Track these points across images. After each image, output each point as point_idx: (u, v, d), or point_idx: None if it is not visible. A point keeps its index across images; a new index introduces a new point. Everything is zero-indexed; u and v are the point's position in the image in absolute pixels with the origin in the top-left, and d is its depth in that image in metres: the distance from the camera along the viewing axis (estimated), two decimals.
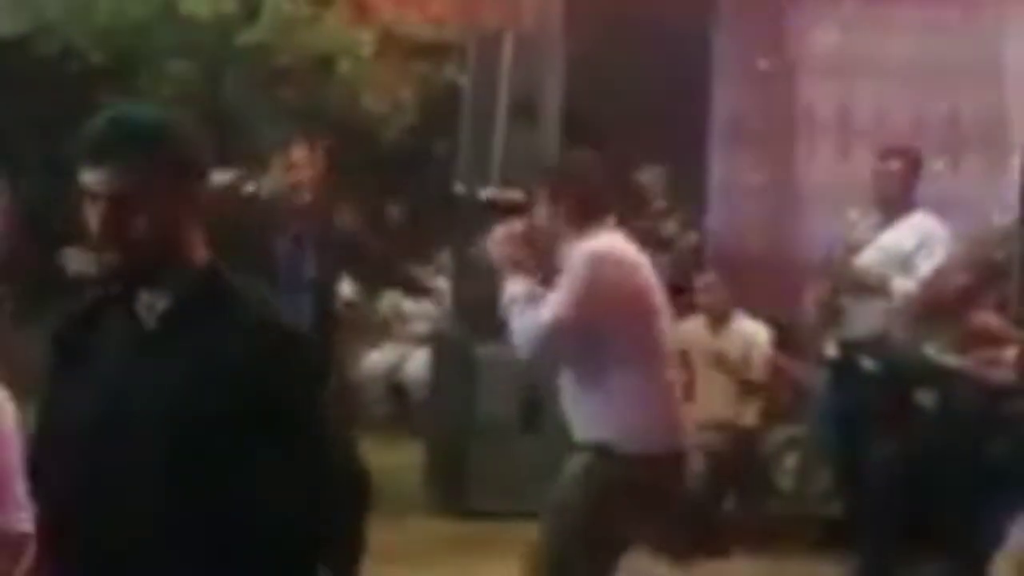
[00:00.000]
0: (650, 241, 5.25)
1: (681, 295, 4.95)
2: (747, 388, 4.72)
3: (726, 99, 5.59)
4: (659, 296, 2.68)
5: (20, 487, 1.22)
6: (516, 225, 2.71)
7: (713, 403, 4.70)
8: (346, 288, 5.30)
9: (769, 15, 5.58)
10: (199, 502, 1.52)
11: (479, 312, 4.20)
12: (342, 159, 4.12)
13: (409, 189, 6.84)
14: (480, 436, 4.67)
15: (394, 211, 7.01)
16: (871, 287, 4.18)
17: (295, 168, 3.81)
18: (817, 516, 4.62)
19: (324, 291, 3.96)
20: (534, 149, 4.79)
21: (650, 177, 5.44)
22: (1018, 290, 4.04)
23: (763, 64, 5.53)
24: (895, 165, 4.28)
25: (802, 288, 4.53)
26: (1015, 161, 4.67)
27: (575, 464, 2.61)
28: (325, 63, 6.14)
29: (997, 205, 4.66)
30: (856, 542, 4.13)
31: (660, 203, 5.46)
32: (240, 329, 1.56)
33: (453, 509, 4.64)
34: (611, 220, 2.69)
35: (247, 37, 6.00)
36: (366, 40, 6.08)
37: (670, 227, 5.40)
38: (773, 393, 4.79)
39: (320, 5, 6.11)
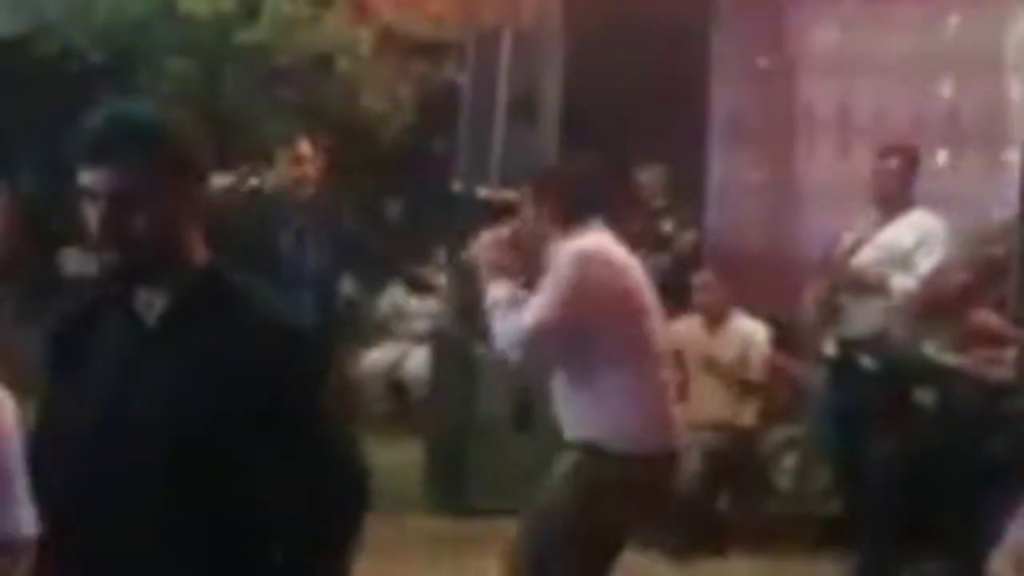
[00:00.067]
0: (649, 239, 5.27)
1: (679, 293, 4.97)
2: (744, 389, 4.72)
3: (725, 97, 5.58)
4: (648, 295, 2.68)
5: (22, 487, 1.22)
6: (503, 230, 2.73)
7: (711, 403, 4.70)
8: (347, 286, 5.31)
9: (768, 13, 5.57)
10: (200, 502, 1.52)
11: (478, 311, 4.20)
12: (341, 157, 4.12)
13: (408, 187, 6.84)
14: (480, 434, 4.67)
15: (393, 209, 7.01)
16: (871, 286, 4.18)
17: (300, 162, 3.81)
18: (816, 515, 4.62)
19: (326, 288, 3.97)
20: (533, 148, 4.79)
21: (649, 175, 5.44)
22: (1017, 287, 4.04)
23: (762, 62, 5.53)
24: (893, 163, 4.28)
25: (801, 287, 4.52)
26: (1015, 157, 4.67)
27: (564, 463, 2.61)
28: (324, 62, 6.14)
29: (997, 201, 4.67)
30: (855, 541, 4.13)
31: (659, 201, 5.46)
32: (242, 328, 1.56)
33: (453, 507, 4.64)
34: (598, 220, 2.69)
35: (246, 36, 5.99)
36: (365, 39, 6.08)
37: (669, 226, 5.40)
38: (771, 392, 4.79)
39: (319, 4, 6.11)
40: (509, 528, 2.82)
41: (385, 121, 6.28)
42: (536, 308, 2.56)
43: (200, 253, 1.60)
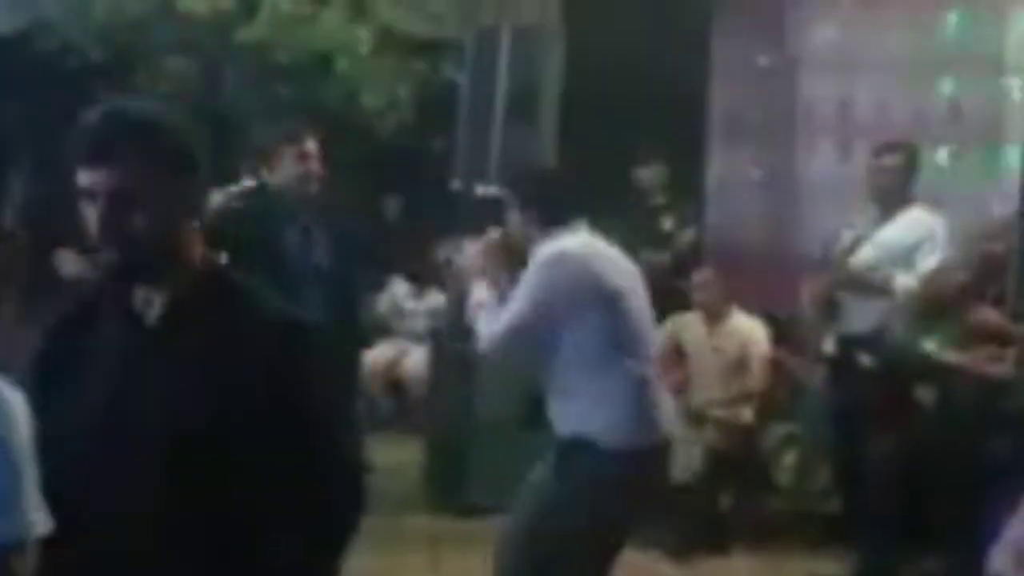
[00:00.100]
0: (648, 237, 5.26)
1: (678, 291, 4.96)
2: (743, 390, 4.72)
3: (725, 95, 5.58)
4: (634, 293, 2.69)
5: (33, 486, 1.22)
6: (490, 237, 2.76)
7: (711, 400, 4.70)
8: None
9: (768, 10, 5.57)
10: (200, 501, 1.51)
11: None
12: (340, 155, 4.12)
13: (406, 186, 6.84)
14: (479, 433, 4.67)
15: (391, 208, 7.01)
16: (874, 288, 4.17)
17: (305, 159, 3.80)
18: (816, 513, 4.62)
19: (346, 286, 3.96)
20: (532, 146, 4.78)
21: (649, 173, 5.43)
22: (1017, 284, 4.04)
23: (762, 60, 5.52)
24: (891, 160, 4.28)
25: (801, 284, 4.52)
26: (1015, 153, 4.67)
27: (551, 459, 2.62)
28: (323, 60, 6.14)
29: (997, 198, 4.67)
30: (855, 538, 4.13)
31: (659, 199, 5.46)
32: (242, 327, 1.56)
33: (452, 506, 4.64)
34: (582, 222, 2.71)
35: (245, 34, 5.99)
36: (364, 37, 6.08)
37: (669, 223, 5.39)
38: (771, 390, 4.79)
39: (318, 3, 6.10)
40: None
41: (384, 119, 6.28)
42: (511, 310, 2.61)
43: (199, 250, 1.60)
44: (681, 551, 4.34)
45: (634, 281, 2.73)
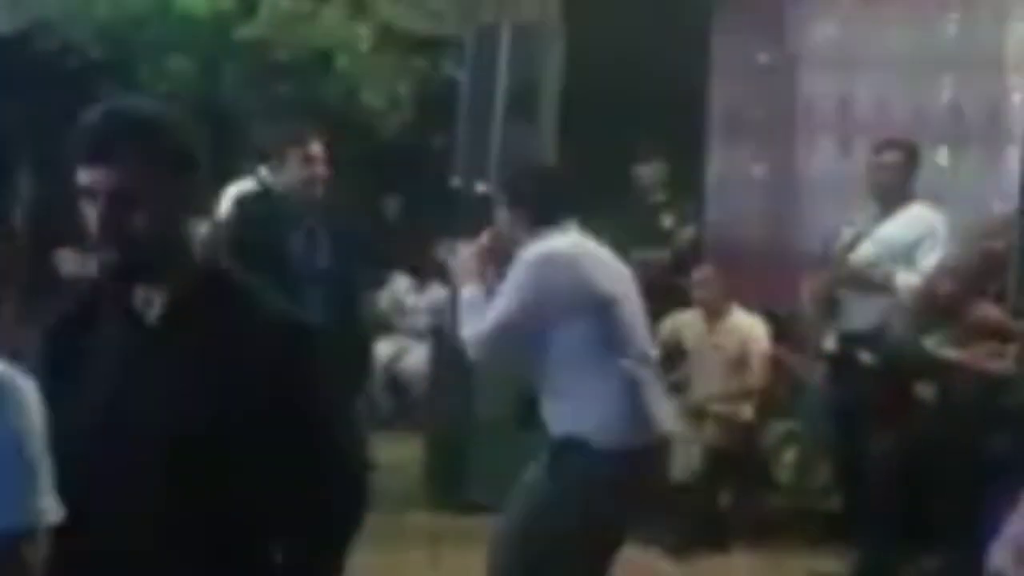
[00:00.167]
0: (648, 234, 5.26)
1: (678, 289, 4.96)
2: (748, 370, 4.70)
3: (725, 92, 5.58)
4: (624, 292, 2.68)
5: (46, 474, 1.23)
6: (482, 240, 2.77)
7: (711, 397, 4.70)
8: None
9: (768, 7, 5.57)
10: (200, 501, 1.51)
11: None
12: (340, 153, 4.12)
13: (407, 184, 6.84)
14: (479, 431, 4.67)
15: (391, 206, 7.01)
16: (875, 284, 4.17)
17: (311, 162, 3.80)
18: (816, 510, 4.62)
19: (349, 287, 3.96)
20: (532, 144, 4.78)
21: (649, 171, 5.43)
22: (1017, 281, 4.04)
23: (762, 57, 5.52)
24: (891, 157, 4.28)
25: (801, 282, 4.52)
26: (1015, 152, 4.67)
27: (544, 459, 2.62)
28: (323, 58, 6.13)
29: (997, 196, 4.67)
30: (855, 536, 4.13)
31: (659, 196, 5.45)
32: (243, 326, 1.56)
33: (452, 503, 4.64)
34: (572, 222, 2.70)
35: (245, 32, 5.99)
36: (364, 35, 6.08)
37: (669, 221, 5.39)
38: (771, 387, 4.79)
39: (318, 0, 6.10)
40: None
41: (384, 117, 6.28)
42: (498, 309, 2.60)
43: (199, 250, 1.60)
44: (681, 549, 4.34)
45: (626, 281, 2.72)
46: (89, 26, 5.99)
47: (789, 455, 4.81)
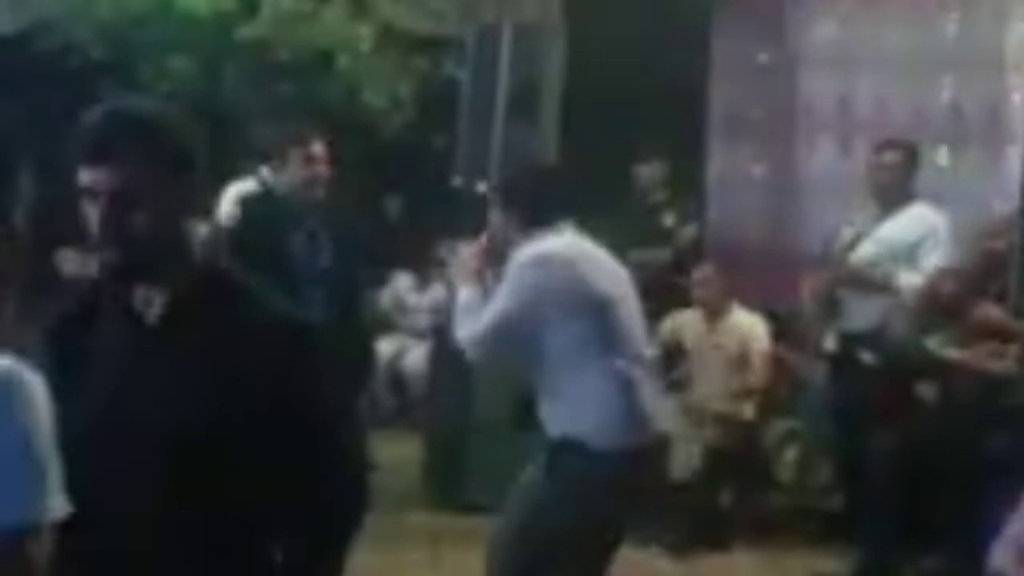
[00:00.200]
0: (649, 234, 5.26)
1: (679, 288, 4.96)
2: (748, 369, 4.70)
3: (725, 92, 5.58)
4: (619, 291, 2.67)
5: (55, 471, 1.23)
6: (479, 242, 2.77)
7: (712, 396, 4.70)
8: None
9: (768, 7, 5.57)
10: (201, 500, 1.51)
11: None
12: (342, 153, 4.12)
13: (408, 183, 6.84)
14: (479, 431, 4.67)
15: (393, 205, 7.01)
16: (875, 284, 4.17)
17: (312, 162, 3.79)
18: (817, 509, 4.62)
19: (349, 285, 3.96)
20: (533, 143, 4.79)
21: (649, 170, 5.43)
22: (1018, 280, 4.04)
23: (762, 57, 5.52)
24: (891, 157, 4.28)
25: (801, 281, 4.52)
26: (1015, 151, 4.67)
27: (541, 460, 2.61)
28: (324, 58, 6.14)
29: (998, 196, 4.67)
30: (856, 535, 4.13)
31: (659, 196, 5.45)
32: (243, 326, 1.56)
33: (451, 503, 4.64)
34: (567, 222, 2.69)
35: (246, 32, 6.00)
36: (365, 35, 6.08)
37: (669, 220, 5.39)
38: (772, 386, 4.79)
39: (319, 0, 6.10)
40: None
41: (385, 117, 6.28)
42: (492, 310, 2.60)
43: (198, 249, 1.60)
44: (682, 548, 4.34)
45: (622, 281, 2.71)
46: (90, 26, 6.00)
47: (790, 454, 4.81)
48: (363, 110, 6.19)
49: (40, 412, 1.23)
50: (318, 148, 3.81)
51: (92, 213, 1.52)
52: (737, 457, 4.61)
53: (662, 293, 4.93)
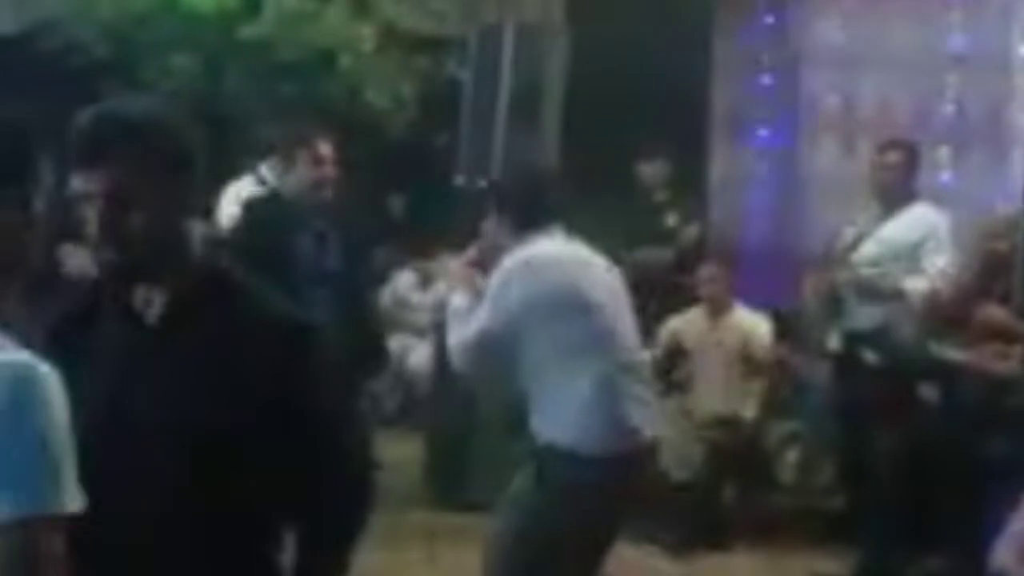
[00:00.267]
0: (652, 233, 5.26)
1: (682, 287, 4.96)
2: (749, 370, 4.70)
3: (728, 91, 5.58)
4: (608, 295, 2.65)
5: (70, 462, 1.23)
6: (472, 251, 2.77)
7: (713, 396, 4.70)
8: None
9: (772, 7, 5.57)
10: (204, 500, 1.51)
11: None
12: (345, 153, 4.13)
13: (410, 183, 6.85)
14: (481, 430, 4.67)
15: (395, 204, 7.02)
16: (884, 293, 4.16)
17: (320, 163, 3.79)
18: (819, 510, 4.61)
19: (356, 286, 3.96)
20: (535, 143, 4.79)
21: (652, 169, 5.42)
22: (1022, 281, 4.03)
23: (765, 56, 5.52)
24: (893, 157, 4.28)
25: (804, 281, 4.52)
26: (1019, 152, 4.67)
27: (529, 468, 2.60)
28: (327, 58, 6.14)
29: (1001, 196, 4.66)
30: (858, 536, 4.13)
31: (662, 195, 5.45)
32: (245, 325, 1.55)
33: (453, 502, 4.65)
34: (558, 226, 2.67)
35: (249, 31, 6.00)
36: (367, 35, 6.09)
37: (672, 219, 5.38)
38: (773, 385, 4.79)
39: (322, 0, 6.11)
40: None
41: (387, 117, 6.28)
42: (475, 321, 2.60)
43: (198, 249, 1.60)
44: (682, 548, 4.33)
45: (611, 285, 2.69)
46: (93, 25, 6.01)
47: (792, 454, 4.81)
48: (365, 110, 6.19)
49: (56, 406, 1.23)
50: (325, 149, 3.81)
51: (90, 215, 1.51)
52: (738, 457, 4.61)
53: (665, 293, 4.93)
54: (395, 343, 6.45)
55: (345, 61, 6.13)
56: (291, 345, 1.58)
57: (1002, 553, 2.48)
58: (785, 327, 4.87)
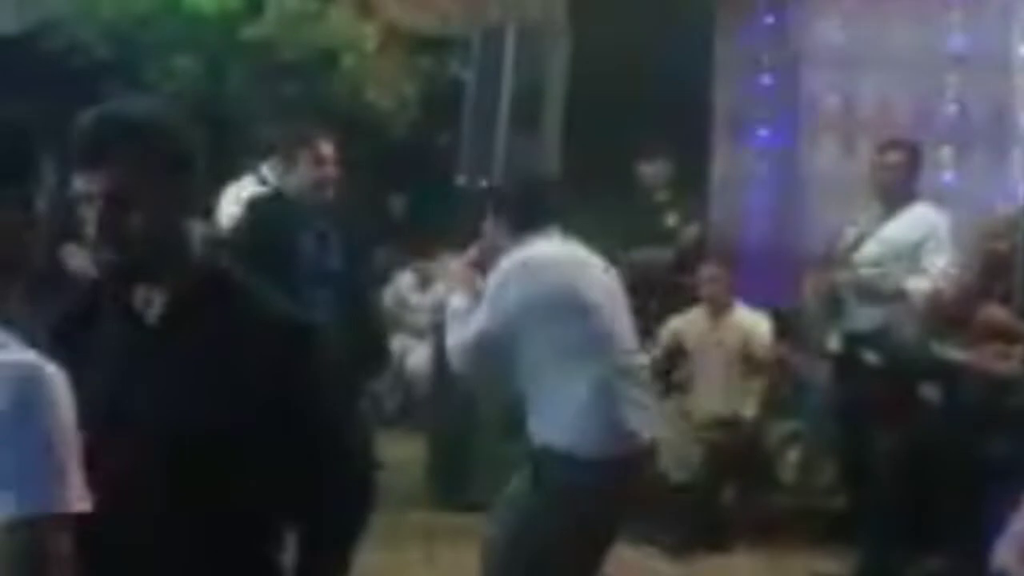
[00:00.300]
0: (653, 233, 5.26)
1: (682, 287, 4.97)
2: (749, 368, 4.70)
3: (729, 92, 5.58)
4: (604, 297, 2.65)
5: (75, 461, 1.23)
6: (471, 253, 2.77)
7: (714, 396, 4.70)
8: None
9: (772, 6, 5.57)
10: (204, 500, 1.51)
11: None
12: (346, 153, 4.13)
13: (412, 183, 6.85)
14: (482, 430, 4.68)
15: (397, 204, 7.02)
16: (885, 295, 4.16)
17: (322, 163, 3.80)
18: (820, 510, 4.61)
19: (359, 285, 3.97)
20: (536, 143, 4.79)
21: (653, 169, 5.43)
22: (1022, 281, 4.03)
23: (766, 57, 5.52)
24: (894, 157, 4.28)
25: (804, 281, 4.52)
26: (1020, 152, 4.67)
27: (526, 471, 2.60)
28: (329, 58, 6.15)
29: (1001, 196, 4.66)
30: (859, 536, 4.13)
31: (663, 195, 5.46)
32: (245, 325, 1.56)
33: (454, 502, 4.65)
34: (554, 228, 2.67)
35: (251, 32, 6.01)
36: (370, 35, 6.09)
37: (673, 219, 5.39)
38: (774, 384, 4.79)
39: (324, 0, 6.12)
40: None
41: (390, 117, 6.29)
42: (476, 320, 2.60)
43: (198, 249, 1.60)
44: (682, 549, 4.33)
45: (608, 287, 2.68)
46: (95, 26, 6.02)
47: (792, 454, 4.81)
48: (367, 110, 6.20)
49: (63, 406, 1.24)
50: (327, 149, 3.82)
51: (90, 216, 1.52)
52: (739, 457, 4.61)
53: (665, 293, 4.93)
54: (395, 344, 6.45)
55: (347, 61, 6.14)
56: (291, 345, 1.58)
57: (1003, 553, 2.49)
58: (785, 326, 4.88)
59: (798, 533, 4.48)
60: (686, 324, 4.82)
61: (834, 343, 4.32)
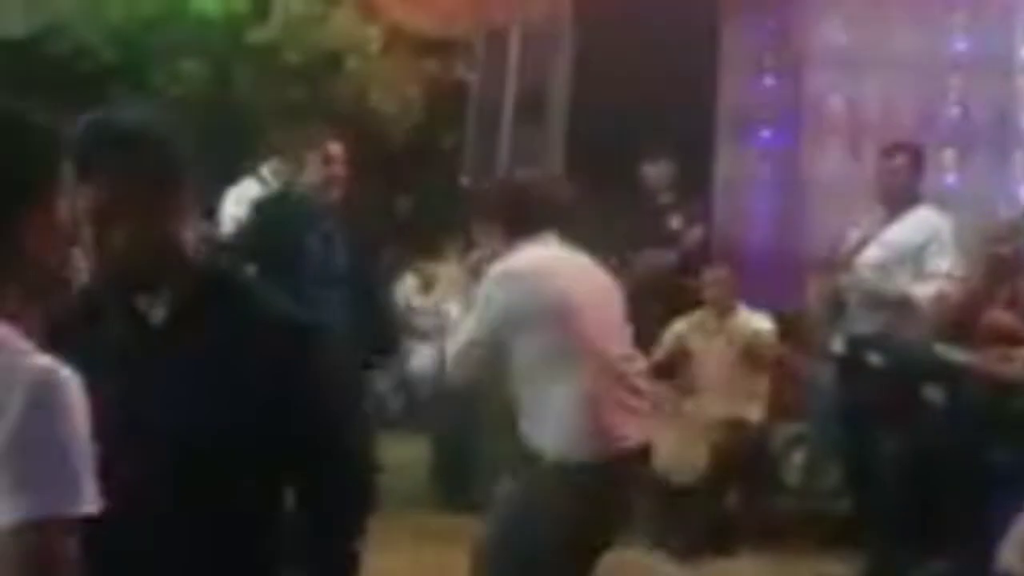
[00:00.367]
0: (656, 235, 5.26)
1: (686, 289, 4.96)
2: (754, 367, 4.69)
3: (733, 93, 5.58)
4: (596, 301, 2.63)
5: (87, 463, 1.23)
6: (469, 259, 2.78)
7: (718, 399, 4.69)
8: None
9: (776, 9, 5.57)
10: (208, 502, 1.52)
11: None
12: (351, 154, 4.15)
13: (417, 184, 6.86)
14: (484, 433, 4.68)
15: (402, 206, 7.03)
16: (887, 299, 4.15)
17: (330, 163, 3.82)
18: (825, 513, 4.60)
19: (367, 284, 3.97)
20: (541, 144, 4.80)
21: (656, 171, 5.43)
22: None
23: (770, 58, 5.52)
24: (898, 161, 4.27)
25: (808, 283, 4.52)
26: (1022, 154, 4.66)
27: (515, 474, 2.61)
28: (334, 60, 6.17)
29: (1004, 199, 4.66)
30: (864, 539, 4.12)
31: (666, 197, 5.46)
32: (248, 327, 1.56)
33: (458, 504, 4.65)
34: (549, 233, 2.66)
35: (257, 35, 6.03)
36: (374, 37, 6.11)
37: (676, 221, 5.39)
38: (778, 387, 4.78)
39: (329, 3, 6.13)
40: None
41: (394, 119, 6.30)
42: (462, 332, 2.61)
43: (196, 252, 1.60)
44: (687, 552, 4.32)
45: (599, 291, 2.67)
46: (102, 29, 6.04)
47: (797, 457, 4.80)
48: (372, 112, 6.21)
49: (77, 410, 1.24)
50: (335, 149, 3.84)
51: (84, 227, 1.52)
52: (744, 460, 4.60)
53: (669, 295, 4.93)
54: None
55: (352, 64, 6.16)
56: (293, 345, 1.58)
57: (1008, 555, 2.49)
58: (788, 329, 4.87)
59: (803, 536, 4.47)
60: (690, 327, 4.82)
61: (838, 346, 4.32)
